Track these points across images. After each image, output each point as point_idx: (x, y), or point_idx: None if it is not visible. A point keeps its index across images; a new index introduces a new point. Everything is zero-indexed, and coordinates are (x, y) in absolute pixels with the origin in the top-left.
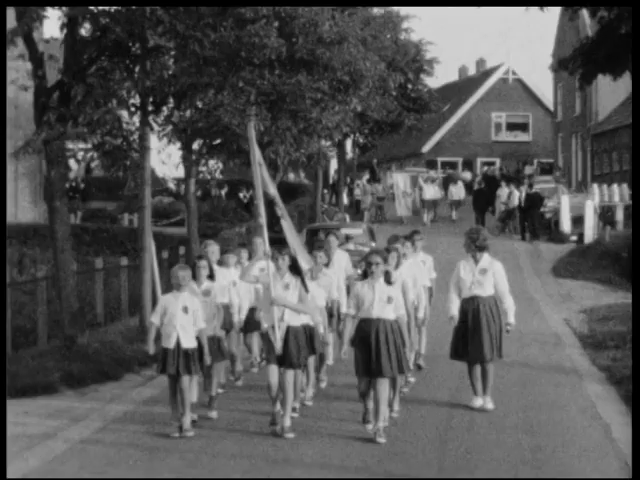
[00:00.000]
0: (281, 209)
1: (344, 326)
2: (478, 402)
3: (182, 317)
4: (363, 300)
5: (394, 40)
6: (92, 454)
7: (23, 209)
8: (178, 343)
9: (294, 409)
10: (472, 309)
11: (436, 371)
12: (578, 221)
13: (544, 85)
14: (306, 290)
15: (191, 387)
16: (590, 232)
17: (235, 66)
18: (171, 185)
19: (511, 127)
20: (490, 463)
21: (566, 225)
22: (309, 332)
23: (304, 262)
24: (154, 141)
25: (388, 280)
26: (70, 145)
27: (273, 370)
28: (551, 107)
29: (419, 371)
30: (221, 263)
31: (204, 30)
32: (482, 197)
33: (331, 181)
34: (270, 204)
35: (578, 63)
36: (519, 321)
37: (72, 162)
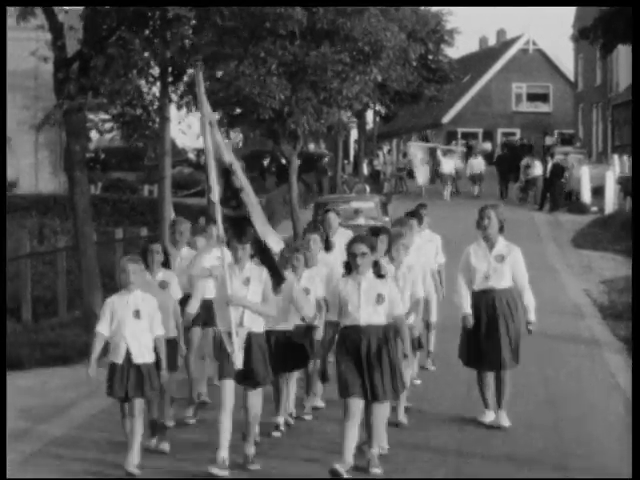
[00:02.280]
0: (240, 179)
1: (324, 335)
2: (489, 417)
3: (133, 324)
4: (346, 301)
5: (414, 10)
6: (113, 423)
7: (43, 180)
8: (128, 357)
9: (277, 427)
10: (486, 305)
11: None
12: (598, 192)
13: (565, 55)
14: (278, 283)
15: (158, 408)
16: (610, 203)
17: (256, 37)
18: (191, 156)
19: (531, 98)
20: (510, 434)
21: (586, 196)
22: (299, 337)
23: (273, 244)
24: (174, 111)
25: (378, 273)
26: (90, 116)
27: (228, 388)
28: (572, 77)
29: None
30: (191, 246)
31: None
32: (504, 164)
33: (352, 152)
34: (225, 174)
35: (599, 33)
36: (539, 291)
37: (93, 133)
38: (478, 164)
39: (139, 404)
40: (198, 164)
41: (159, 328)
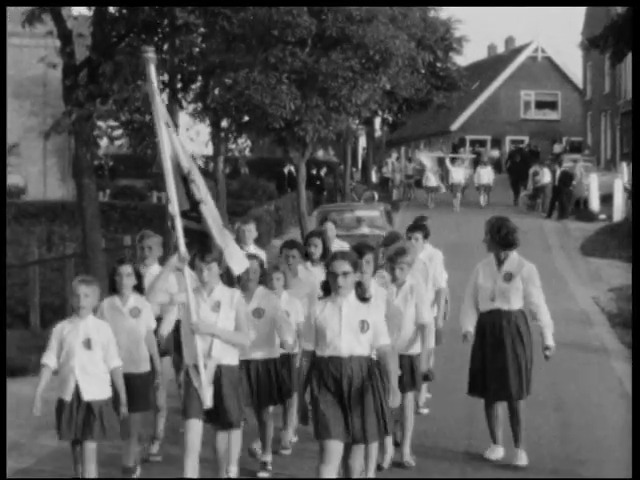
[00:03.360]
0: (199, 188)
1: (301, 366)
2: (497, 453)
3: (83, 355)
4: (324, 328)
5: (423, 18)
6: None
7: (52, 187)
8: (78, 393)
9: (264, 466)
10: (492, 327)
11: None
12: (607, 200)
13: (573, 63)
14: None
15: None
16: (619, 211)
17: (265, 44)
18: (200, 162)
19: (540, 105)
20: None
21: (595, 203)
22: (279, 366)
23: (235, 264)
24: (182, 118)
25: (362, 296)
26: (99, 123)
27: (194, 430)
28: (580, 85)
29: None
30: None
31: (233, 7)
32: (515, 172)
33: (360, 159)
34: (184, 182)
35: (609, 42)
36: (547, 299)
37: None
38: (487, 174)
39: (90, 448)
40: (207, 171)
41: (115, 359)
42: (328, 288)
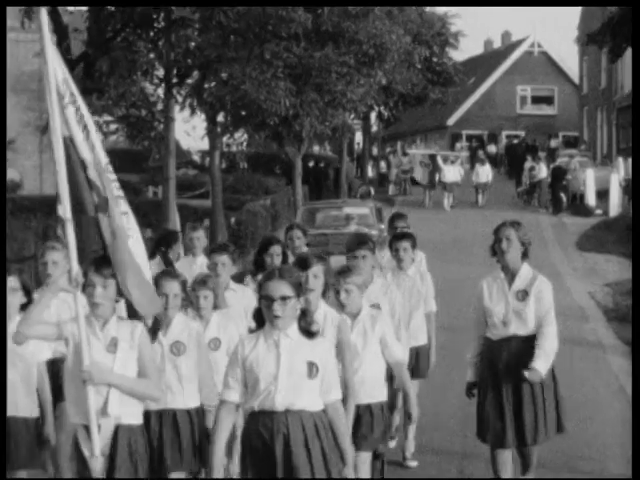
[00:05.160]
0: (100, 195)
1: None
2: None
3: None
4: (256, 373)
5: (419, 13)
6: None
7: (48, 181)
8: None
9: None
10: (507, 359)
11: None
12: (603, 195)
13: (570, 58)
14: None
15: None
16: (615, 206)
17: (261, 39)
18: (196, 157)
19: (536, 100)
20: None
21: (591, 199)
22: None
23: (142, 302)
24: (178, 113)
25: (308, 329)
26: (95, 117)
27: None
28: (577, 80)
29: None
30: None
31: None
32: (514, 166)
33: (355, 154)
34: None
35: (607, 37)
36: None
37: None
38: (485, 172)
39: None
40: (203, 166)
41: None
42: (262, 318)
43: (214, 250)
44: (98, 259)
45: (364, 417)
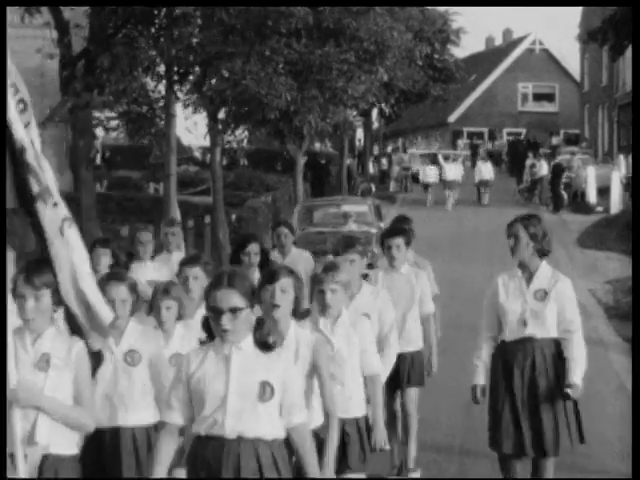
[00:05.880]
0: (41, 182)
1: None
2: None
3: None
4: (202, 393)
5: (421, 10)
6: None
7: None
8: None
9: None
10: (523, 362)
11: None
12: (604, 192)
13: (571, 55)
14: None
15: None
16: (616, 203)
17: (261, 35)
18: (197, 154)
19: (537, 97)
20: None
21: (592, 196)
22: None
23: (89, 315)
24: (179, 109)
25: (264, 341)
26: (96, 113)
27: None
28: (578, 77)
29: None
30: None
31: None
32: (515, 164)
33: (356, 151)
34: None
35: (608, 35)
36: None
37: (98, 130)
38: (487, 169)
39: None
40: (204, 162)
41: None
42: (210, 330)
43: (184, 262)
44: (30, 265)
45: (351, 434)
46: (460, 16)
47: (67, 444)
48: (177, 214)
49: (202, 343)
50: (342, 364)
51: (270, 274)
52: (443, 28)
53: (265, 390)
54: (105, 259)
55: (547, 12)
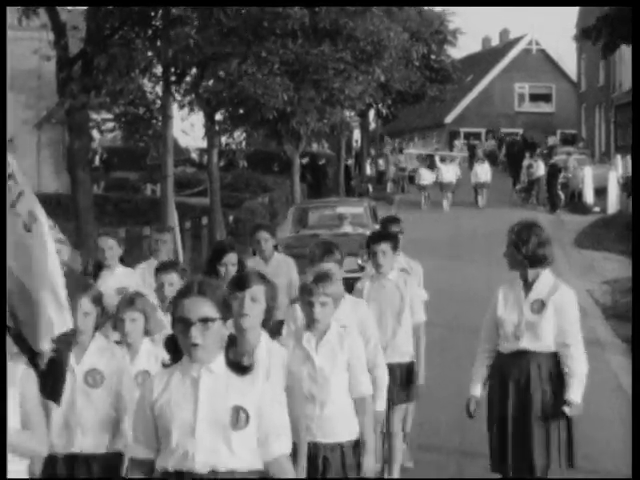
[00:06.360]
0: (19, 184)
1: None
2: None
3: None
4: (169, 424)
5: (418, 11)
6: None
7: (46, 179)
8: None
9: None
10: (517, 376)
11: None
12: (601, 192)
13: (568, 56)
14: (54, 394)
15: None
16: (613, 203)
17: (258, 36)
18: (194, 155)
19: (534, 98)
20: None
21: (589, 196)
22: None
23: (42, 329)
24: (176, 110)
25: (237, 362)
26: (93, 115)
27: None
28: (574, 78)
29: None
30: None
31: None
32: (512, 164)
33: (353, 152)
34: None
35: (601, 33)
36: None
37: (95, 132)
38: (484, 171)
39: None
40: (201, 163)
41: None
42: (177, 348)
43: (160, 268)
44: None
45: (332, 461)
46: (457, 17)
47: (14, 472)
48: (174, 216)
49: (165, 366)
50: (324, 384)
51: (240, 280)
52: (440, 29)
53: (239, 417)
54: None
55: (544, 12)
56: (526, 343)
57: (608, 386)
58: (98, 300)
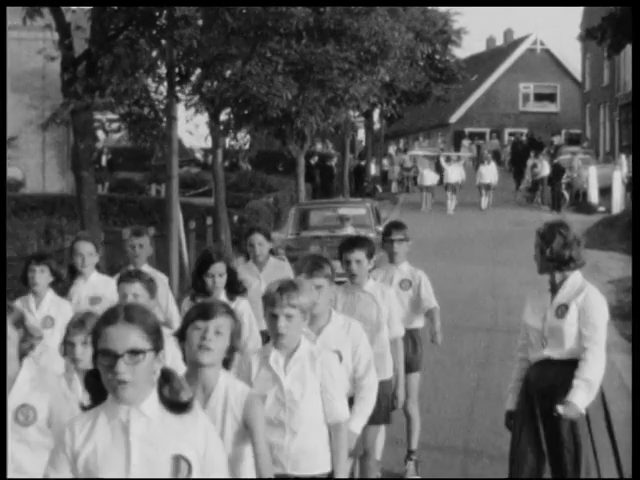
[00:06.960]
0: None
1: None
2: None
3: None
4: (94, 473)
5: (422, 11)
6: None
7: (50, 179)
8: None
9: None
10: (541, 388)
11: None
12: (606, 192)
13: (572, 55)
14: None
15: None
16: (618, 203)
17: (262, 36)
18: (198, 155)
19: (539, 97)
20: None
21: (593, 196)
22: None
23: None
24: (181, 111)
25: (175, 401)
26: (98, 115)
27: None
28: (579, 77)
29: None
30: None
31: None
32: (517, 164)
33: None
34: None
35: (606, 33)
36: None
37: (100, 132)
38: (490, 172)
39: None
40: (205, 164)
41: None
42: (99, 387)
43: (122, 278)
44: None
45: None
46: (461, 16)
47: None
48: (179, 216)
49: (85, 408)
50: (294, 409)
51: (204, 309)
52: (444, 29)
53: (180, 467)
54: (42, 276)
55: (548, 12)
56: (549, 351)
57: (612, 385)
58: (20, 321)
